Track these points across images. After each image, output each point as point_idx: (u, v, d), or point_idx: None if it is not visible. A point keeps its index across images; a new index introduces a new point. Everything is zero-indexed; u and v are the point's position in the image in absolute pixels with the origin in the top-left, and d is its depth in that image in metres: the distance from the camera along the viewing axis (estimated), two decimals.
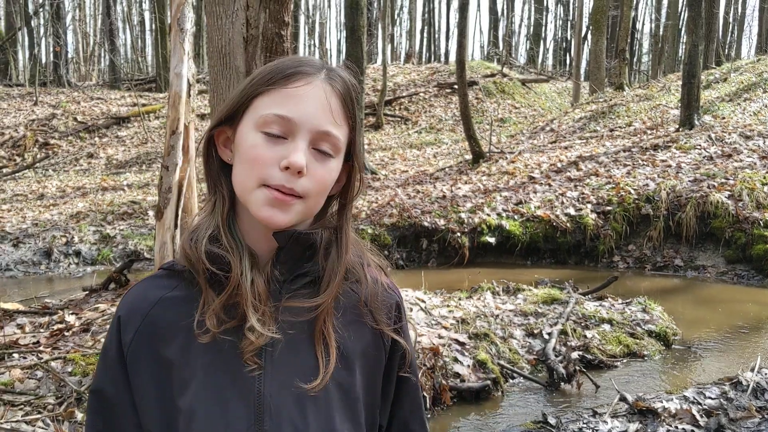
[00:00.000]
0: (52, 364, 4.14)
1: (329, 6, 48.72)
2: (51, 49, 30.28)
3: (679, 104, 12.94)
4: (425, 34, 44.07)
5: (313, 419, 1.06)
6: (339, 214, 1.16)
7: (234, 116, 1.10)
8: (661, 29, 34.66)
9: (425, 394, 4.28)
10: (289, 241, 1.07)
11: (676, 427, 3.78)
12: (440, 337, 4.85)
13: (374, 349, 1.15)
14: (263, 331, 1.03)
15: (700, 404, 4.02)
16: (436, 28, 45.28)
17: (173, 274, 1.12)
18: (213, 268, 1.05)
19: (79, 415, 3.53)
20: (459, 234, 8.90)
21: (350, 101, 1.10)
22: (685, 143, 11.00)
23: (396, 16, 44.21)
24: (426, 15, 44.05)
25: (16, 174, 15.78)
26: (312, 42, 42.23)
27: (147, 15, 37.81)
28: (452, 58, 33.31)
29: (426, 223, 9.08)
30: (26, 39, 30.33)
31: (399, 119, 21.03)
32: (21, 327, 5.15)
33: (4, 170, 15.79)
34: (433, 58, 40.66)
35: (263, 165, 1.03)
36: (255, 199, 1.04)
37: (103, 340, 4.62)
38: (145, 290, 1.12)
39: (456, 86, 17.34)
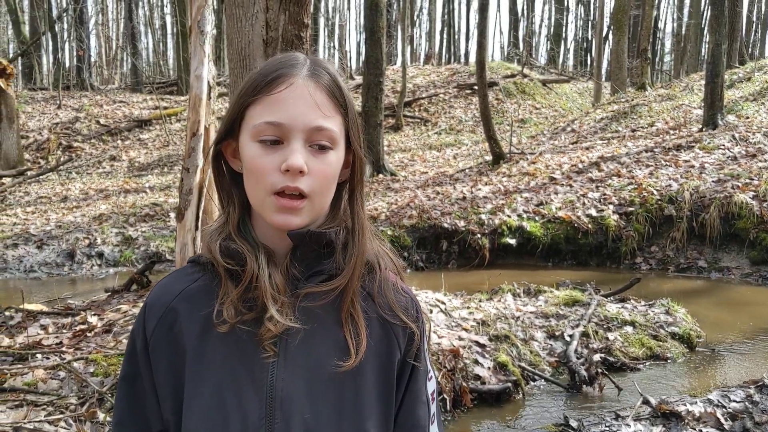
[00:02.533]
0: (75, 364, 4.18)
1: (349, 8, 48.86)
2: (74, 53, 30.65)
3: (702, 104, 12.79)
4: (445, 35, 43.97)
5: (323, 412, 1.09)
6: (350, 200, 1.18)
7: (233, 129, 1.13)
8: (684, 28, 34.34)
9: (445, 396, 4.26)
10: (304, 240, 1.10)
11: (700, 431, 3.72)
12: (460, 338, 4.82)
13: (386, 346, 1.15)
14: (282, 320, 1.06)
15: (724, 407, 3.96)
16: (456, 29, 45.17)
17: (198, 267, 1.16)
18: (228, 263, 1.09)
19: (101, 416, 3.55)
20: (479, 235, 8.86)
21: (337, 91, 1.11)
22: (709, 143, 10.87)
23: (415, 18, 44.19)
24: (445, 16, 43.96)
25: (40, 176, 15.98)
26: (332, 44, 42.35)
27: (168, 19, 38.16)
28: (472, 58, 33.22)
29: (446, 225, 9.05)
30: (50, 43, 30.70)
31: (418, 120, 21.01)
32: (44, 328, 5.20)
33: (29, 173, 15.98)
34: (452, 59, 40.55)
35: (266, 173, 1.06)
36: (267, 208, 1.08)
37: (124, 341, 4.66)
38: (171, 282, 1.17)
39: (476, 87, 17.29)
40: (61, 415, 3.54)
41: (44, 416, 3.53)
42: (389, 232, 8.91)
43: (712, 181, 9.09)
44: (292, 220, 1.07)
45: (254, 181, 1.08)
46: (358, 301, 1.12)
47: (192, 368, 1.09)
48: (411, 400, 1.20)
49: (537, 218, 9.08)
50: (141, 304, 5.58)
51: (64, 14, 31.73)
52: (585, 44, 42.71)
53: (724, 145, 10.63)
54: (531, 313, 5.62)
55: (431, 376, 1.24)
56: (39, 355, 4.45)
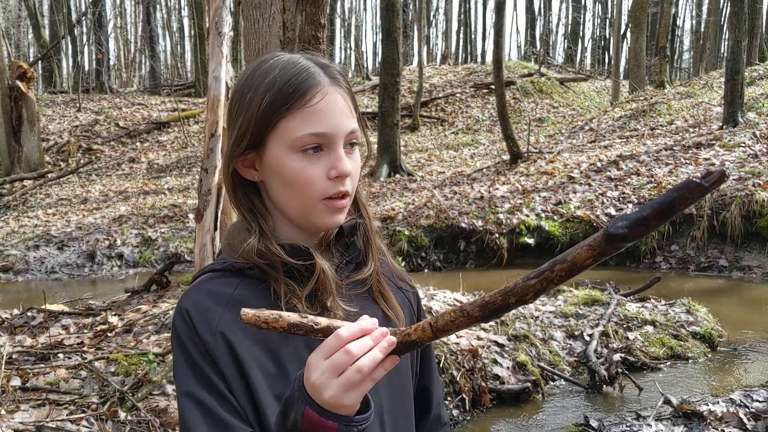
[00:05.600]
0: (96, 364, 4.22)
1: (365, 9, 48.92)
2: (93, 56, 30.95)
3: (722, 101, 12.67)
4: (461, 35, 43.87)
5: (382, 390, 1.16)
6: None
7: (259, 142, 1.13)
8: (703, 25, 34.01)
9: (464, 396, 4.25)
10: (352, 231, 1.19)
11: (723, 431, 3.69)
12: (479, 338, 4.81)
13: (407, 310, 1.27)
14: (347, 307, 1.13)
15: (747, 407, 3.92)
16: (472, 29, 45.06)
17: (230, 273, 1.14)
18: (296, 261, 1.11)
19: (122, 415, 3.58)
20: (497, 235, 8.83)
21: (351, 88, 1.18)
22: (729, 141, 10.76)
23: (432, 18, 44.13)
24: (462, 15, 43.86)
25: (61, 179, 16.14)
26: (348, 45, 42.40)
27: (186, 21, 38.35)
28: (489, 58, 33.16)
29: (463, 224, 9.02)
30: (69, 47, 31.01)
31: (435, 120, 20.98)
32: (66, 328, 5.26)
33: (49, 175, 16.14)
34: (469, 59, 40.44)
35: (314, 182, 1.11)
36: (316, 213, 1.13)
37: (145, 340, 4.69)
38: (211, 291, 1.13)
39: (493, 86, 17.23)
40: (82, 414, 3.57)
41: (66, 415, 3.57)
42: (406, 232, 8.91)
43: (733, 179, 9.00)
44: (340, 219, 1.14)
45: (301, 191, 1.11)
46: (382, 278, 1.22)
47: (264, 368, 1.07)
48: (428, 357, 1.34)
49: (555, 217, 9.04)
50: (161, 305, 5.62)
51: (83, 18, 32.03)
52: (603, 42, 42.47)
53: (744, 143, 10.52)
54: (550, 312, 5.60)
55: None
56: (61, 355, 4.50)
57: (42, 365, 4.30)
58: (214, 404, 1.05)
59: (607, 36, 40.30)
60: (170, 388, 3.80)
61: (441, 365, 4.35)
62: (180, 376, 1.09)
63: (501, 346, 4.80)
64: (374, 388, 1.00)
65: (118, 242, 9.94)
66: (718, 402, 3.98)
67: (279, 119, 1.10)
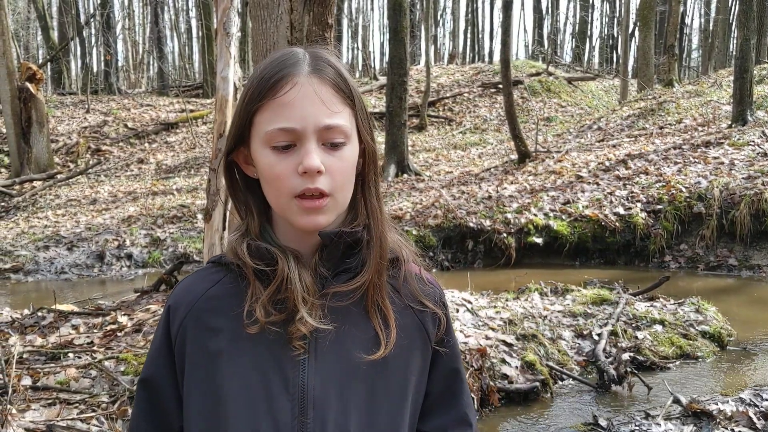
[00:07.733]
0: (106, 363, 4.24)
1: (372, 9, 48.92)
2: (102, 57, 31.06)
3: (731, 100, 12.62)
4: (468, 35, 43.83)
5: (355, 410, 1.08)
6: (363, 190, 1.14)
7: (243, 137, 1.10)
8: (711, 24, 33.88)
9: (473, 396, 4.25)
10: (333, 239, 1.09)
11: (732, 430, 3.68)
12: (487, 338, 4.81)
13: (416, 336, 1.15)
14: (312, 321, 1.05)
15: (756, 406, 3.91)
16: (480, 28, 45.00)
17: (220, 268, 1.14)
18: (258, 264, 1.08)
19: None
20: (505, 234, 8.82)
21: (343, 83, 1.08)
22: (738, 139, 10.72)
23: (439, 17, 44.07)
24: (469, 15, 43.82)
25: (70, 180, 16.20)
26: (355, 45, 42.41)
27: (194, 23, 38.46)
28: (496, 57, 33.10)
29: (471, 224, 9.02)
30: (78, 48, 31.16)
31: (443, 120, 20.96)
32: (75, 328, 5.28)
33: (59, 176, 16.21)
34: (477, 58, 40.38)
35: (284, 179, 1.05)
36: (291, 213, 1.07)
37: None
38: (193, 283, 1.16)
39: (500, 86, 17.20)
40: (93, 413, 3.59)
41: (77, 414, 3.59)
42: (414, 232, 8.91)
43: (742, 178, 8.96)
44: (318, 220, 1.06)
45: (274, 187, 1.07)
46: (385, 293, 1.11)
47: (221, 369, 1.07)
48: (453, 383, 1.21)
49: (564, 217, 9.02)
50: None
51: (92, 19, 32.17)
52: (611, 41, 42.34)
53: (753, 142, 10.47)
54: (558, 312, 5.59)
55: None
56: (71, 355, 4.52)
57: (52, 365, 4.33)
58: (152, 401, 1.15)
59: (615, 35, 40.18)
60: None
61: None
62: (145, 363, 1.17)
63: (509, 345, 4.80)
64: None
65: (127, 243, 9.97)
66: (727, 401, 3.97)
67: (254, 113, 1.07)
